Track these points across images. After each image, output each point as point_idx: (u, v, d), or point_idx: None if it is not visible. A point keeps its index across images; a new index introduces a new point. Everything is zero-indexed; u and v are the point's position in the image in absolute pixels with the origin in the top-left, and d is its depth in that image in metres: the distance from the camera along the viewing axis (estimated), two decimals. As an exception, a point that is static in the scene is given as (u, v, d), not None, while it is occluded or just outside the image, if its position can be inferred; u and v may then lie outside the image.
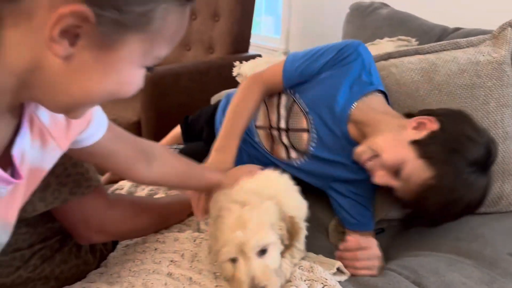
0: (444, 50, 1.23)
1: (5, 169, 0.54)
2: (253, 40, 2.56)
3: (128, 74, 0.50)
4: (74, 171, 0.86)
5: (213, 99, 1.80)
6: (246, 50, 2.46)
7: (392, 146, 1.02)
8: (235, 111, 1.15)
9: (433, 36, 1.57)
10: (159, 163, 0.87)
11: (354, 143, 1.11)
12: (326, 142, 1.14)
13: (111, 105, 2.06)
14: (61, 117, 0.62)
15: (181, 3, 0.50)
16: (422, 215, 1.03)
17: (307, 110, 1.16)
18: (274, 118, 1.21)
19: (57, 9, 0.42)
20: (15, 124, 0.55)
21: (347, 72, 1.13)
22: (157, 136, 1.88)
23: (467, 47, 1.21)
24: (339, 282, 0.83)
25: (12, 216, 0.61)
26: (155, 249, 0.97)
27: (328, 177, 1.17)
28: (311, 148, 1.16)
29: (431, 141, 0.99)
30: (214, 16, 2.37)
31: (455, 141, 0.98)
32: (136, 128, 2.00)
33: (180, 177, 0.93)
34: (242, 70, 1.76)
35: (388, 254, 1.04)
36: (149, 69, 0.53)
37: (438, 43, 1.25)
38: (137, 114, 2.00)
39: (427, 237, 1.08)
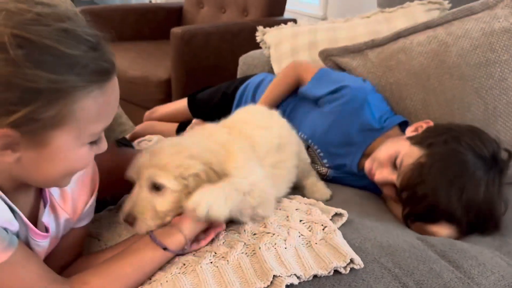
0: (456, 19, 1.16)
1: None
2: (290, 5, 2.51)
3: (72, 155, 0.60)
4: None
5: (241, 60, 1.81)
6: (281, 14, 2.43)
7: (388, 147, 1.04)
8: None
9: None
10: None
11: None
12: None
13: (144, 63, 2.12)
14: (69, 190, 0.73)
15: (98, 85, 0.57)
16: (432, 208, 0.91)
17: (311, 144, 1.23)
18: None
19: None
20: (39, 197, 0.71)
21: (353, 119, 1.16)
22: (185, 94, 1.93)
23: (482, 11, 1.14)
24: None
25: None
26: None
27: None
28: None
29: (426, 133, 1.01)
30: (249, -22, 2.35)
31: (450, 129, 0.98)
32: (166, 86, 2.05)
33: None
34: (266, 37, 1.69)
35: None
36: (92, 143, 0.62)
37: (451, 11, 1.18)
38: (167, 72, 2.04)
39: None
